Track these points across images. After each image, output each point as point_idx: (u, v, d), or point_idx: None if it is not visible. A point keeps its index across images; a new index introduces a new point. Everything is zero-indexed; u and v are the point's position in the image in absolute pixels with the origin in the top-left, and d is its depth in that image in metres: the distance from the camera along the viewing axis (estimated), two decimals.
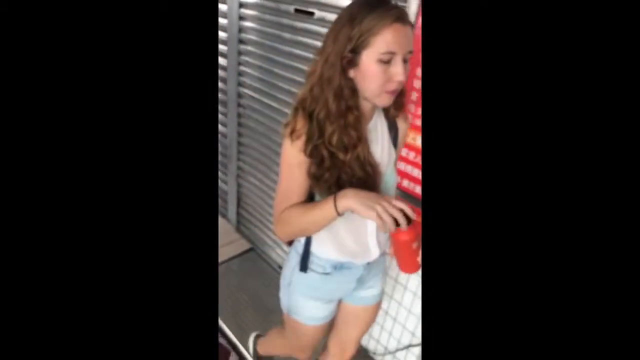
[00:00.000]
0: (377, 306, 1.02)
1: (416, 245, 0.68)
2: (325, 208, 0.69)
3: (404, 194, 1.18)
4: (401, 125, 0.85)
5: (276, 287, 1.91)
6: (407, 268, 0.72)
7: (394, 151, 0.84)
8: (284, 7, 1.48)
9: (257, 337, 1.41)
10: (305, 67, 1.50)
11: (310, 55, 1.46)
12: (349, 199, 0.66)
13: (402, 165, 1.17)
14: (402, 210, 0.63)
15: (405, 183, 1.18)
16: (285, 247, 1.89)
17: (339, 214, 0.68)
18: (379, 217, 0.63)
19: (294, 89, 1.57)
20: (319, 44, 1.42)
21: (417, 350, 1.36)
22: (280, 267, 1.97)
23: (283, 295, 0.96)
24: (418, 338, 1.34)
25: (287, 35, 1.52)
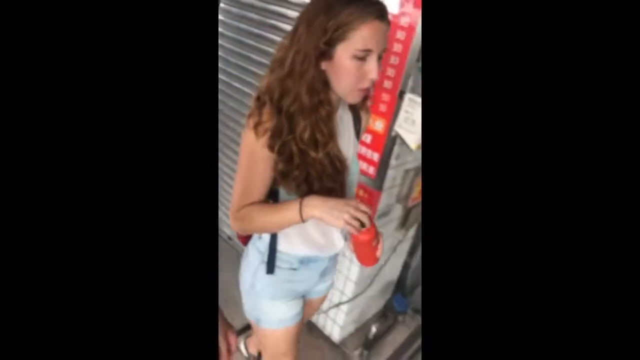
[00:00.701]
0: (327, 294, 1.04)
1: (375, 242, 0.71)
2: (289, 213, 0.67)
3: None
4: (364, 116, 0.85)
5: (224, 257, 1.99)
6: (368, 262, 0.76)
7: (357, 142, 0.84)
8: None
9: (245, 341, 1.40)
10: (250, 41, 1.55)
11: (255, 30, 1.52)
12: (314, 208, 0.65)
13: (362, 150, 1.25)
14: (366, 213, 0.65)
15: (363, 165, 1.26)
16: None
17: (303, 221, 0.67)
18: (348, 224, 0.64)
19: (239, 62, 1.63)
20: (259, 17, 1.48)
21: (345, 307, 1.50)
22: (230, 238, 2.05)
23: (247, 300, 0.91)
24: (346, 295, 1.48)
25: (235, 10, 1.57)
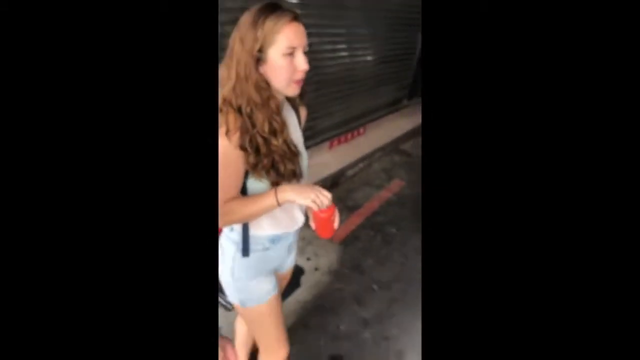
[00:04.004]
0: (292, 266, 1.21)
1: (333, 218, 0.89)
2: (267, 200, 0.82)
3: None
4: (302, 111, 1.00)
5: None
6: (326, 234, 0.92)
7: (301, 134, 0.99)
8: None
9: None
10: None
11: None
12: (287, 192, 0.81)
13: None
14: (327, 196, 0.81)
15: None
16: None
17: (279, 205, 0.82)
18: (314, 202, 0.80)
19: None
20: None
21: None
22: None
23: (230, 289, 1.02)
24: None
25: None
